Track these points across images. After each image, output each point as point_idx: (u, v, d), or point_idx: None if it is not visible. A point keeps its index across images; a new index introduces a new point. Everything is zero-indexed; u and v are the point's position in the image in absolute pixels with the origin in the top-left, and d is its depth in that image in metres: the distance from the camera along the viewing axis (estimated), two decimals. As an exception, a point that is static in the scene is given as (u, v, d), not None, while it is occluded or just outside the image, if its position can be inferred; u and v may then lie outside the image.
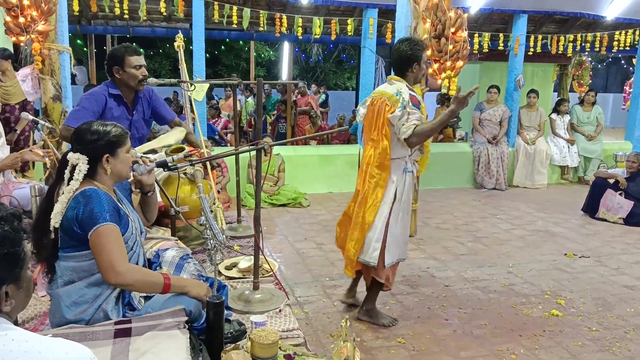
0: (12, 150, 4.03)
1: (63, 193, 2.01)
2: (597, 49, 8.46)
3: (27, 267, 1.25)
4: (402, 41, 3.25)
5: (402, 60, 3.18)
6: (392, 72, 3.29)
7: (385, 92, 3.17)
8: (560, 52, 8.28)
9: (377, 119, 3.18)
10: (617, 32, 8.08)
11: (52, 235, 2.01)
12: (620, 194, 5.93)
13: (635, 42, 8.14)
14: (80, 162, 2.03)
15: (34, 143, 5.06)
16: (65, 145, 4.31)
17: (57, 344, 1.16)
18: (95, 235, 1.97)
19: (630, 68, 13.15)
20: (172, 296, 2.12)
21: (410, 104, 3.05)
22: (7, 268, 1.18)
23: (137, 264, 2.23)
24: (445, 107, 9.65)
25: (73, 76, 5.12)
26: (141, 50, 3.50)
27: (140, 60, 3.31)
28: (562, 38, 8.13)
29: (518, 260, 4.57)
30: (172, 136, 3.59)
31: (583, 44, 8.45)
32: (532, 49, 7.77)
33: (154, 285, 2.08)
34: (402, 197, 3.17)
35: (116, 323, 2.00)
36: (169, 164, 2.47)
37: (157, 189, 2.82)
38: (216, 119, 9.41)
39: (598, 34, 8.30)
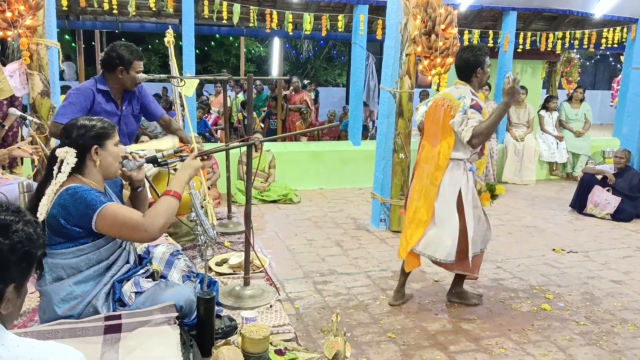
0: (0, 147, 3.99)
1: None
2: (586, 46, 8.52)
3: (29, 278, 1.22)
4: (465, 49, 3.45)
5: (467, 66, 3.39)
6: (457, 77, 3.46)
7: (449, 95, 3.38)
8: (549, 49, 8.32)
9: (437, 120, 3.37)
10: (605, 30, 8.14)
11: (40, 231, 2.00)
12: (607, 190, 5.99)
13: (623, 40, 8.20)
14: (68, 155, 2.02)
15: (22, 139, 5.01)
16: (54, 141, 4.27)
17: (49, 348, 1.12)
18: (101, 219, 1.97)
19: (618, 65, 13.27)
20: (163, 292, 2.11)
21: (472, 109, 3.24)
22: (21, 268, 1.15)
23: (128, 261, 2.23)
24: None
25: (61, 72, 5.06)
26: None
27: (142, 64, 3.32)
28: (551, 35, 8.17)
29: (507, 255, 4.61)
30: (164, 143, 3.58)
31: (572, 41, 8.50)
32: (521, 46, 7.81)
33: (173, 209, 2.10)
34: (467, 194, 3.35)
35: (106, 318, 1.99)
36: (159, 160, 2.46)
37: (147, 185, 2.81)
38: (206, 115, 9.37)
39: (586, 31, 8.35)
